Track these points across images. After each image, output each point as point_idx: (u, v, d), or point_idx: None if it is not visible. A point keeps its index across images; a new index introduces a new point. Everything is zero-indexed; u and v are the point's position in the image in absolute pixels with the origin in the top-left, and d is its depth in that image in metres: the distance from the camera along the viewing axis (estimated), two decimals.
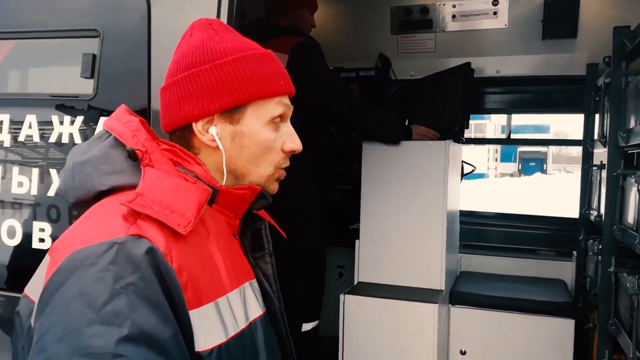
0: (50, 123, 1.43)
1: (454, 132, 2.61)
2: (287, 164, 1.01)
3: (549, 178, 24.39)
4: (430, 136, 2.51)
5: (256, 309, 0.96)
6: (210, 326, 0.83)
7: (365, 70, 3.17)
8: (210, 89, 0.91)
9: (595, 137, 2.51)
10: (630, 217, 1.84)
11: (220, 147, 0.93)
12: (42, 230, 1.40)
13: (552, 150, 30.08)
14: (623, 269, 1.88)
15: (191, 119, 0.93)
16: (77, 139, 1.39)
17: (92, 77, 1.38)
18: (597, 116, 2.55)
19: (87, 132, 1.40)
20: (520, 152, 29.33)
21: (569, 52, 2.89)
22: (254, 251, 1.04)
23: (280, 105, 0.97)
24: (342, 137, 3.16)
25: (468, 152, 3.02)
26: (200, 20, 0.99)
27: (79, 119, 1.39)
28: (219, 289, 0.88)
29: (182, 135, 0.96)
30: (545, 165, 29.49)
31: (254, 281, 1.00)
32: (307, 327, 2.51)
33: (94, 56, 1.37)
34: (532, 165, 29.32)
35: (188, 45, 0.96)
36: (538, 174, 26.57)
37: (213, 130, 0.93)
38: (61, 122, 1.40)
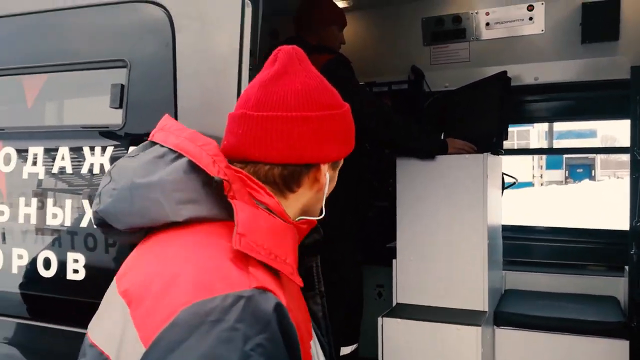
0: (82, 154, 1.44)
1: (492, 143, 2.52)
2: None
3: (598, 185, 23.49)
4: (467, 149, 2.44)
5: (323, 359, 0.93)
6: None
7: (398, 84, 3.12)
8: (345, 135, 0.92)
9: None
10: None
11: (326, 190, 0.92)
12: (76, 261, 1.41)
13: (600, 155, 29.03)
14: None
15: (325, 159, 0.90)
16: (108, 168, 1.40)
17: (120, 107, 1.39)
18: None
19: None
20: (566, 158, 28.45)
21: (611, 55, 2.76)
22: (305, 289, 0.96)
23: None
24: (376, 153, 3.11)
25: (511, 160, 2.92)
26: (287, 49, 0.91)
27: (109, 149, 1.40)
28: (307, 341, 0.84)
29: (294, 173, 0.88)
30: (593, 171, 28.49)
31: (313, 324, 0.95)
32: (345, 350, 2.46)
33: (122, 86, 1.38)
34: (580, 171, 28.40)
35: (303, 79, 0.89)
36: (586, 181, 25.64)
37: (327, 175, 0.91)
38: (92, 153, 1.41)
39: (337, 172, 0.96)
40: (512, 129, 22.27)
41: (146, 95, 1.37)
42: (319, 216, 0.94)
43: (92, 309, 0.89)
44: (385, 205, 3.06)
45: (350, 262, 2.39)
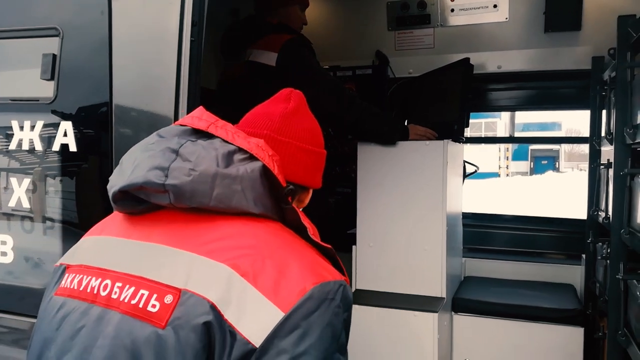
0: (11, 128, 1.34)
1: (453, 131, 2.49)
2: None
3: (562, 176, 24.07)
4: (428, 136, 2.40)
5: None
6: None
7: (362, 69, 3.07)
8: (323, 169, 1.22)
9: (602, 134, 2.38)
10: None
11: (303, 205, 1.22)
12: (3, 243, 1.32)
13: (564, 148, 29.73)
14: (632, 275, 1.75)
15: (314, 185, 1.20)
16: (38, 144, 1.30)
17: (52, 78, 1.29)
18: (604, 112, 2.43)
19: (47, 137, 1.31)
20: (532, 150, 29.02)
21: (573, 45, 2.76)
22: None
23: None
24: (340, 138, 3.05)
25: (478, 152, 2.90)
26: (299, 93, 1.19)
27: (39, 124, 1.30)
28: None
29: (296, 189, 1.12)
30: (557, 163, 29.16)
31: None
32: None
33: (54, 56, 1.28)
34: (545, 163, 29.02)
35: (310, 121, 1.19)
36: (550, 172, 26.24)
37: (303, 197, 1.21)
38: (21, 128, 1.31)
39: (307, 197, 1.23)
40: (480, 120, 22.58)
41: (80, 66, 1.28)
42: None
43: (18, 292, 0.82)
44: (348, 191, 3.02)
45: None
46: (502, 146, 28.94)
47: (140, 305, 0.87)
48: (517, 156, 29.56)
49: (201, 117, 1.03)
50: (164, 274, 0.89)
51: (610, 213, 2.07)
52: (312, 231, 0.99)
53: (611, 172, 2.04)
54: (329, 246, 1.00)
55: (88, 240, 1.06)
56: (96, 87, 1.21)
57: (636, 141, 1.72)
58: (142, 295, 0.89)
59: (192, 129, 1.02)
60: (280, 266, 0.89)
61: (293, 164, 1.12)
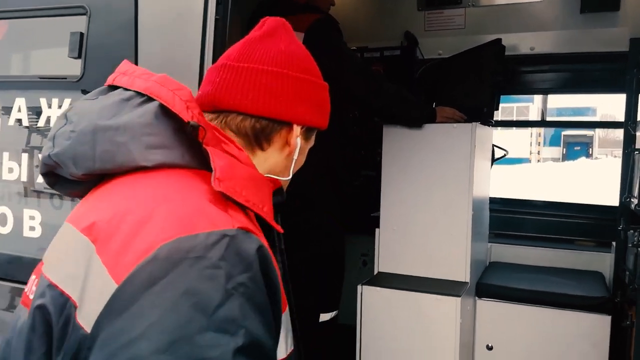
0: (39, 106, 1.37)
1: (482, 113, 2.44)
2: None
3: (595, 163, 23.47)
4: (456, 118, 2.36)
5: (290, 337, 0.89)
6: (282, 336, 0.80)
7: (391, 50, 3.02)
8: (322, 106, 0.96)
9: (639, 118, 2.31)
10: None
11: (295, 156, 0.94)
12: (32, 218, 1.35)
13: (598, 133, 28.93)
14: None
15: (299, 121, 0.91)
16: None
17: (79, 56, 1.31)
18: None
19: None
20: (564, 135, 28.32)
21: (610, 26, 2.66)
22: None
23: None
24: (365, 120, 3.03)
25: (509, 137, 2.84)
26: (275, 18, 0.97)
27: (67, 101, 1.33)
28: (284, 308, 0.81)
29: (266, 128, 0.89)
30: (590, 149, 28.41)
31: None
32: (325, 317, 2.43)
33: (82, 35, 1.30)
34: (577, 149, 28.30)
35: (287, 44, 0.93)
36: (583, 159, 25.60)
37: (299, 140, 0.92)
38: (49, 105, 1.34)
39: (308, 147, 0.97)
40: (512, 105, 22.11)
41: (106, 44, 1.29)
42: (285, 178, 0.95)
43: None
44: (372, 174, 3.00)
45: (329, 228, 2.33)
46: (534, 131, 28.31)
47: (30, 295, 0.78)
48: (550, 142, 28.91)
49: (118, 71, 0.87)
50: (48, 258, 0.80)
51: None
52: (223, 173, 0.73)
53: None
54: (244, 201, 0.74)
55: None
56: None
57: None
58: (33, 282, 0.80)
59: (109, 87, 0.87)
60: (139, 221, 0.68)
61: (254, 91, 0.86)
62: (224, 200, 0.72)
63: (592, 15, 2.68)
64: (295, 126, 0.90)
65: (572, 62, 2.88)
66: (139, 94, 0.80)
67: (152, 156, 0.75)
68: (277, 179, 0.90)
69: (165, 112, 0.77)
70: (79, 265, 0.69)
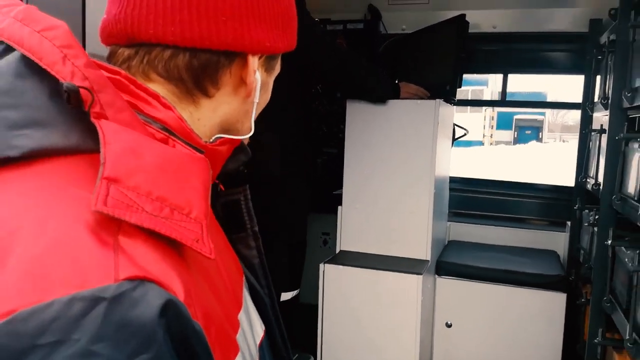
0: None
1: (446, 91, 2.41)
2: None
3: (544, 146, 24.28)
4: (419, 95, 2.33)
5: (259, 324, 0.69)
6: None
7: (354, 23, 2.95)
8: (284, 19, 0.64)
9: (596, 99, 2.33)
10: (632, 186, 1.68)
11: (256, 98, 0.64)
12: None
13: (548, 118, 29.89)
14: (621, 242, 1.73)
15: (257, 48, 0.61)
16: None
17: None
18: (598, 77, 2.37)
19: None
20: (516, 119, 29.11)
21: (571, 6, 2.67)
22: (229, 231, 0.72)
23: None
24: (328, 96, 2.96)
25: (464, 119, 2.84)
26: None
27: None
28: (233, 317, 0.58)
29: (209, 64, 0.59)
30: (541, 133, 29.35)
31: (245, 278, 0.71)
32: (286, 296, 2.38)
33: None
34: (528, 133, 29.17)
35: None
36: (533, 142, 26.45)
37: (259, 74, 0.63)
38: None
39: (272, 79, 0.69)
40: (467, 88, 22.49)
41: (51, 6, 1.17)
42: (245, 135, 0.67)
43: None
44: (334, 152, 2.95)
45: (294, 207, 2.27)
46: (488, 115, 28.99)
47: None
48: (502, 125, 29.66)
49: None
50: None
51: (600, 180, 2.03)
52: (117, 168, 0.46)
53: (604, 138, 1.99)
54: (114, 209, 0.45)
55: None
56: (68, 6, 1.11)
57: (634, 105, 1.67)
58: None
59: None
60: None
61: (185, 9, 0.56)
62: (113, 219, 0.44)
63: None
64: (251, 57, 0.61)
65: (533, 41, 2.89)
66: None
67: (17, 140, 0.48)
68: (234, 139, 0.65)
69: (32, 67, 0.49)
70: None
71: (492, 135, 29.89)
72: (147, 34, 0.56)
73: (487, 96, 23.89)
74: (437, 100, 2.25)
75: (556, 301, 2.37)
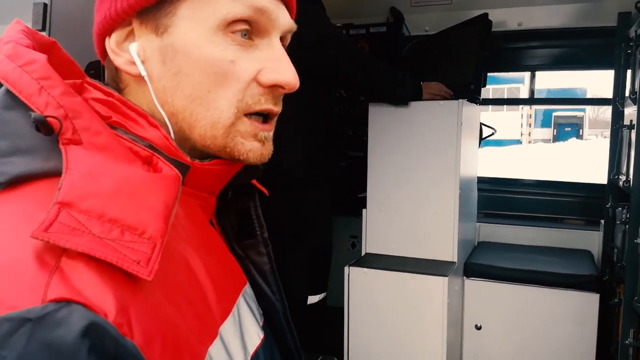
0: None
1: (469, 90, 2.39)
2: (271, 107, 0.62)
3: (585, 143, 23.57)
4: (442, 94, 2.32)
5: (255, 333, 0.67)
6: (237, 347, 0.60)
7: (376, 27, 2.95)
8: None
9: (627, 94, 2.27)
10: None
11: (143, 73, 0.59)
12: None
13: (589, 114, 29.02)
14: None
15: (104, 30, 0.59)
16: None
17: (44, 29, 1.25)
18: (628, 72, 2.31)
19: None
20: (555, 117, 28.40)
21: (598, 0, 2.61)
22: (241, 238, 0.73)
23: (239, 4, 0.58)
24: (352, 100, 2.98)
25: (501, 118, 2.79)
26: None
27: None
28: (210, 328, 0.58)
29: (107, 62, 0.63)
30: (581, 130, 28.52)
31: (248, 286, 0.71)
32: (313, 299, 2.40)
33: (45, 5, 1.23)
34: (568, 130, 28.40)
35: None
36: (573, 140, 25.72)
37: (133, 47, 0.59)
38: None
39: (184, 36, 0.58)
40: (503, 86, 22.10)
41: (71, 16, 1.23)
42: (213, 130, 0.60)
43: None
44: (360, 155, 2.96)
45: (316, 209, 2.29)
46: (525, 113, 28.35)
47: None
48: (540, 123, 28.99)
49: None
50: None
51: (631, 176, 1.98)
52: (71, 191, 0.48)
53: (634, 133, 1.94)
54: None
55: None
56: (89, 39, 1.15)
57: None
58: None
59: None
60: None
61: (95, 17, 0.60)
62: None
63: None
64: (106, 40, 0.60)
65: (560, 37, 2.83)
66: None
67: (3, 167, 0.52)
68: (235, 163, 0.62)
69: (16, 99, 0.53)
70: None
71: (530, 133, 29.22)
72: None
73: (523, 94, 23.39)
74: (461, 100, 2.23)
75: (589, 302, 2.31)
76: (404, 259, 2.30)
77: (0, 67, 0.53)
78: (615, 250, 2.31)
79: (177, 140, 0.60)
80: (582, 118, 28.37)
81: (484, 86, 2.49)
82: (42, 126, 0.50)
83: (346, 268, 2.27)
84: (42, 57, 0.54)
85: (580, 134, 28.17)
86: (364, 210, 2.42)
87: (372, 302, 2.23)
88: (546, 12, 2.73)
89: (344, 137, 3.01)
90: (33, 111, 0.51)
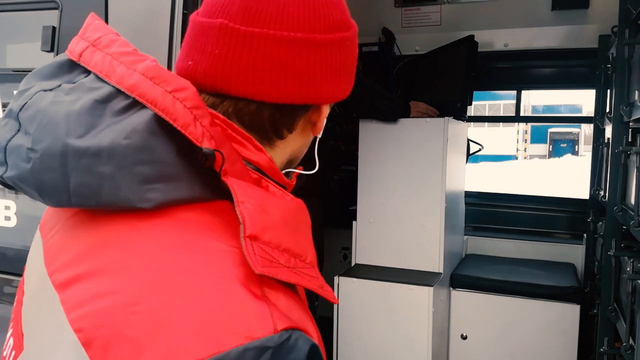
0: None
1: (456, 108, 2.50)
2: None
3: (580, 159, 23.74)
4: (429, 113, 2.42)
5: None
6: None
7: (369, 46, 3.07)
8: (352, 64, 0.69)
9: (607, 113, 2.38)
10: (633, 197, 1.73)
11: (319, 135, 0.70)
12: (7, 208, 1.38)
13: (584, 131, 29.19)
14: (623, 252, 1.77)
15: (330, 98, 0.66)
16: None
17: (52, 50, 1.34)
18: (609, 91, 2.42)
19: None
20: (551, 133, 28.56)
21: (581, 23, 2.73)
22: None
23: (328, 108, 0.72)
24: (345, 116, 3.08)
25: (496, 134, 2.89)
26: None
27: None
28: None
29: (288, 113, 0.64)
30: (576, 146, 28.69)
31: None
32: None
33: (54, 28, 1.33)
34: (564, 146, 28.55)
35: None
36: (568, 155, 25.87)
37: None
38: None
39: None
40: (499, 102, 22.29)
41: None
42: (311, 168, 0.73)
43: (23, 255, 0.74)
44: (352, 169, 3.05)
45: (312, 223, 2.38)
46: (521, 129, 28.54)
47: None
48: (536, 139, 29.14)
49: (83, 35, 0.63)
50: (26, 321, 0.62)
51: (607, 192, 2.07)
52: (255, 225, 0.52)
53: (610, 150, 2.04)
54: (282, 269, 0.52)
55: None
56: None
57: (632, 118, 1.72)
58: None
59: (70, 63, 0.62)
60: (146, 328, 0.48)
61: (270, 72, 0.61)
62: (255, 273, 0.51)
63: (563, 12, 2.76)
64: (323, 106, 0.67)
65: (544, 58, 2.95)
66: (120, 91, 0.55)
67: (150, 194, 0.53)
68: (299, 173, 0.73)
69: (163, 126, 0.54)
70: None
71: (525, 149, 29.38)
72: (236, 90, 0.61)
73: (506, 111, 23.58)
74: (446, 118, 2.34)
75: (570, 313, 2.39)
76: (392, 270, 2.38)
77: (144, 88, 0.55)
78: (596, 263, 2.39)
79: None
80: (577, 134, 28.55)
81: (470, 104, 2.60)
82: (210, 160, 0.54)
83: (336, 278, 2.35)
84: (190, 85, 0.57)
85: (576, 150, 28.34)
86: (354, 222, 2.51)
87: (360, 311, 2.31)
88: (531, 34, 2.85)
89: (338, 152, 3.10)
90: (188, 139, 0.54)
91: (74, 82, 0.59)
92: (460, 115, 2.56)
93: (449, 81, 2.61)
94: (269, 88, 0.61)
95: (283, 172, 0.68)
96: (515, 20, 2.85)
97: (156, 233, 0.53)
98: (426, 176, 2.34)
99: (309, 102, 0.64)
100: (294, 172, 0.71)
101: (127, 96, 0.55)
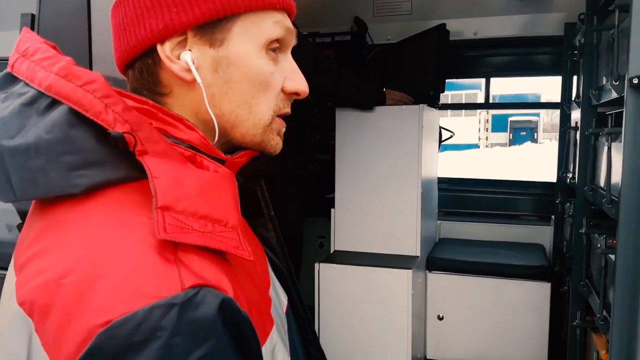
0: None
1: (429, 96, 2.55)
2: (289, 111, 0.74)
3: (539, 147, 24.45)
4: (404, 101, 2.47)
5: (282, 295, 0.80)
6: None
7: (341, 35, 3.09)
8: None
9: (573, 98, 2.47)
10: (602, 177, 1.81)
11: (199, 79, 0.65)
12: None
13: (543, 119, 30.06)
14: (593, 229, 1.85)
15: (154, 38, 0.64)
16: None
17: None
18: (575, 78, 2.51)
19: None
20: (511, 121, 29.29)
21: (547, 11, 2.82)
22: (250, 217, 0.82)
23: (279, 26, 0.69)
24: (319, 105, 3.09)
25: (459, 123, 2.96)
26: None
27: None
28: (264, 293, 0.71)
29: (144, 70, 0.67)
30: (535, 134, 29.53)
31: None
32: None
33: (33, 16, 1.30)
34: (523, 134, 29.34)
35: None
36: (528, 143, 26.62)
37: (187, 55, 0.65)
38: None
39: (237, 49, 0.66)
40: (461, 92, 22.72)
41: (59, 26, 1.30)
42: (254, 129, 0.70)
43: None
44: (328, 158, 3.08)
45: (288, 215, 2.40)
46: (482, 118, 29.20)
47: None
48: (497, 127, 29.86)
49: (17, 48, 0.67)
50: None
51: (577, 173, 2.16)
52: (167, 196, 0.56)
53: (579, 134, 2.12)
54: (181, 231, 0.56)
55: None
56: (76, 49, 1.24)
57: (601, 102, 1.80)
58: None
59: (9, 75, 0.67)
60: (72, 294, 0.53)
61: (128, 31, 0.66)
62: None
63: (530, 1, 2.84)
64: (159, 46, 0.65)
65: (513, 45, 3.04)
66: (42, 93, 0.60)
67: (77, 180, 0.59)
68: (254, 152, 0.72)
69: (79, 117, 0.59)
70: (22, 344, 0.57)
71: (487, 137, 30.07)
72: (118, 62, 0.70)
73: (480, 100, 24.09)
74: (421, 105, 2.38)
75: (541, 291, 2.49)
76: (371, 255, 2.43)
77: (56, 85, 0.59)
78: (564, 243, 2.50)
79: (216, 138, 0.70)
80: (536, 122, 29.38)
81: (443, 92, 2.66)
82: (120, 142, 0.58)
83: (316, 265, 2.38)
84: (99, 76, 0.60)
85: (535, 137, 29.17)
86: (332, 209, 2.54)
87: (341, 296, 2.35)
88: (499, 22, 2.92)
89: (313, 141, 3.12)
90: (103, 127, 0.58)
91: (7, 92, 0.64)
92: (434, 103, 2.61)
93: (422, 69, 2.66)
94: (117, 54, 0.69)
95: (237, 152, 0.71)
96: (484, 9, 2.92)
97: (88, 213, 0.59)
98: (402, 163, 2.39)
99: (138, 49, 0.66)
100: (246, 150, 0.72)
101: (48, 96, 0.60)
